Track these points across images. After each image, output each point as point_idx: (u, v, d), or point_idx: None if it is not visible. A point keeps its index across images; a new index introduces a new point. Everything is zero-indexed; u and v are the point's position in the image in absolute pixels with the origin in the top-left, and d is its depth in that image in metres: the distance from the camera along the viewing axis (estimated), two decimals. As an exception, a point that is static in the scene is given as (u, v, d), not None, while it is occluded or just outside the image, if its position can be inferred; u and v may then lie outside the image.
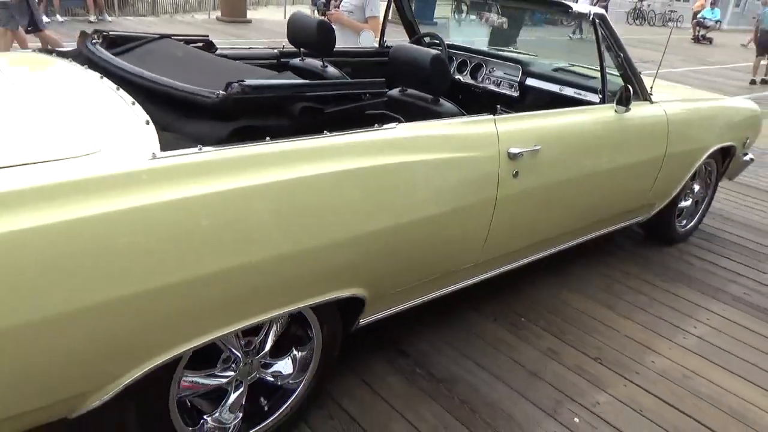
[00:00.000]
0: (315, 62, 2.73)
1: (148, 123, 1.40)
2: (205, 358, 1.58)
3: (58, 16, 10.42)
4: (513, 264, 2.39)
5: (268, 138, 1.47)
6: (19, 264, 1.09)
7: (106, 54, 1.94)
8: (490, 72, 3.35)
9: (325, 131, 1.58)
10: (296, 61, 2.83)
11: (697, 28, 18.05)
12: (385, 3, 3.51)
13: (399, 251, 1.76)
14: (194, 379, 1.56)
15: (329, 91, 1.71)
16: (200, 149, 1.36)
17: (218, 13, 13.24)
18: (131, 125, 1.41)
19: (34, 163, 1.19)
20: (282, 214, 1.45)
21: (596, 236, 2.84)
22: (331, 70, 2.68)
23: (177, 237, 1.28)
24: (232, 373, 1.62)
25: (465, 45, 3.56)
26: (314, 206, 1.51)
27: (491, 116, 2.03)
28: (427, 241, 1.85)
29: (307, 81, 1.69)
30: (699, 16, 18.42)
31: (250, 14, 13.47)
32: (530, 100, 3.12)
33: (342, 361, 1.97)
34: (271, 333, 1.69)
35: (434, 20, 9.20)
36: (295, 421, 1.81)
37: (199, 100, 1.53)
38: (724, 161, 3.45)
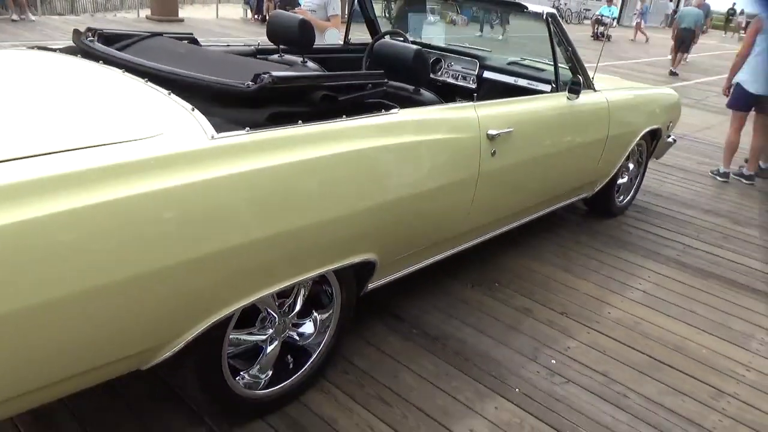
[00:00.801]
0: (294, 58, 2.92)
1: (193, 110, 1.58)
2: (246, 320, 1.77)
3: (-24, 14, 9.91)
4: (489, 234, 2.70)
5: (299, 121, 1.69)
6: (114, 228, 1.26)
7: (114, 51, 2.07)
8: (448, 66, 3.65)
9: (343, 116, 1.81)
10: (275, 57, 3.00)
11: (596, 25, 18.70)
12: (347, 2, 3.75)
13: (404, 220, 2.02)
14: (239, 336, 1.76)
15: (342, 81, 1.93)
16: (248, 131, 1.56)
17: (148, 12, 12.94)
18: (179, 112, 1.58)
19: (112, 143, 1.36)
20: (316, 186, 1.67)
21: (552, 210, 3.21)
22: (311, 65, 2.88)
23: (235, 206, 1.48)
24: (270, 330, 1.83)
25: (424, 41, 3.85)
26: (338, 180, 1.74)
27: (471, 103, 2.32)
28: (426, 211, 2.12)
29: (324, 72, 1.91)
30: (597, 13, 19.03)
31: (180, 13, 13.26)
32: (486, 92, 3.44)
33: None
34: (300, 295, 1.91)
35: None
36: (315, 377, 2.03)
37: (232, 90, 1.72)
38: (653, 143, 3.93)
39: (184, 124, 1.51)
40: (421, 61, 2.29)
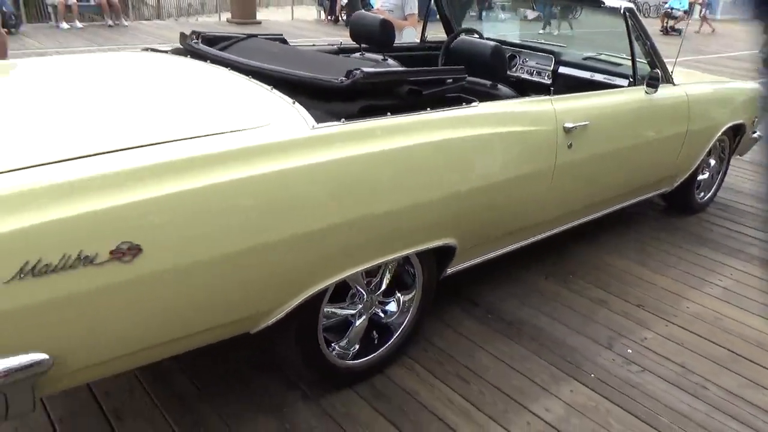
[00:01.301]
0: (375, 56, 3.08)
1: (294, 103, 1.75)
2: (337, 296, 1.93)
3: (77, 22, 10.74)
4: (565, 225, 2.75)
5: (388, 113, 1.83)
6: (235, 204, 1.44)
7: (219, 51, 2.29)
8: (523, 62, 3.70)
9: (428, 108, 1.94)
10: (356, 55, 3.16)
11: (665, 19, 17.18)
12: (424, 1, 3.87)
13: (483, 208, 2.13)
14: (332, 309, 1.92)
15: (426, 77, 2.06)
16: (343, 121, 1.72)
17: (228, 15, 13.58)
18: (282, 105, 1.75)
19: (231, 131, 1.54)
20: (403, 173, 1.81)
21: (629, 203, 3.20)
22: (392, 62, 3.02)
23: (333, 189, 1.64)
24: (359, 306, 1.99)
25: (498, 38, 3.92)
26: (424, 168, 1.87)
27: (548, 96, 2.39)
28: (504, 200, 2.21)
29: (409, 68, 2.05)
30: (666, 6, 17.67)
31: (257, 16, 13.81)
32: (561, 87, 3.47)
33: (428, 307, 2.33)
34: (385, 275, 2.05)
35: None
36: (397, 353, 2.17)
37: (327, 85, 1.88)
38: (736, 138, 3.82)
39: (287, 115, 1.69)
40: (499, 56, 2.38)
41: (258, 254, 1.51)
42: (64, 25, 10.53)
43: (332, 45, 3.35)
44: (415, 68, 2.10)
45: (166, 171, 1.35)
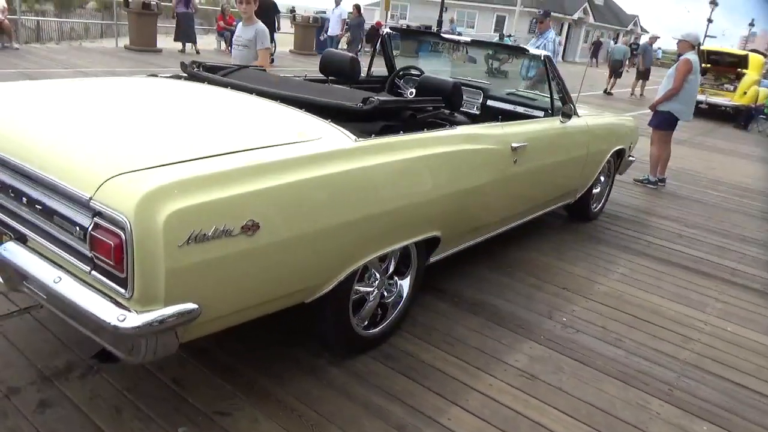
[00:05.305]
0: (342, 87, 3.60)
1: (330, 122, 2.24)
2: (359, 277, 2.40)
3: (-38, 41, 10.13)
4: (510, 225, 3.42)
5: (401, 132, 2.37)
6: (292, 201, 1.85)
7: (234, 81, 2.70)
8: (455, 96, 4.40)
9: (424, 129, 2.50)
10: (324, 86, 3.66)
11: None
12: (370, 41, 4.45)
13: (459, 207, 2.71)
14: (358, 287, 2.38)
15: (418, 105, 2.63)
16: (373, 137, 2.23)
17: (125, 42, 13.31)
18: (321, 124, 2.22)
19: (293, 143, 1.99)
20: (414, 178, 2.35)
21: (548, 211, 3.97)
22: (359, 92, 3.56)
23: (372, 188, 2.14)
24: (375, 283, 2.47)
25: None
26: (427, 174, 2.43)
27: (500, 123, 3.06)
28: (473, 201, 2.82)
29: (408, 98, 2.60)
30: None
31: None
32: (487, 117, 4.21)
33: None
34: (392, 261, 2.55)
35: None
36: (393, 328, 2.66)
37: (351, 109, 2.38)
38: (618, 160, 4.79)
39: (331, 132, 2.16)
40: (458, 91, 3.01)
41: (325, 235, 1.97)
42: (-51, 44, 9.89)
43: (298, 77, 3.82)
44: (412, 98, 2.66)
45: (270, 169, 1.79)
